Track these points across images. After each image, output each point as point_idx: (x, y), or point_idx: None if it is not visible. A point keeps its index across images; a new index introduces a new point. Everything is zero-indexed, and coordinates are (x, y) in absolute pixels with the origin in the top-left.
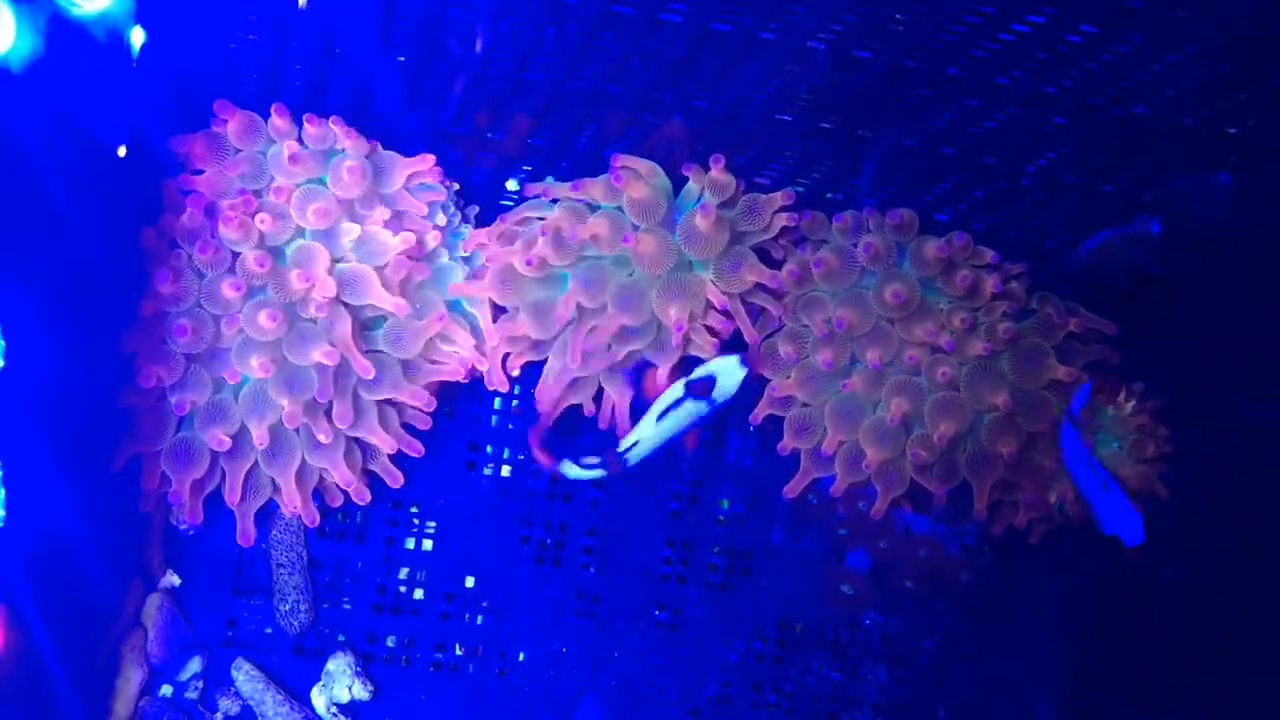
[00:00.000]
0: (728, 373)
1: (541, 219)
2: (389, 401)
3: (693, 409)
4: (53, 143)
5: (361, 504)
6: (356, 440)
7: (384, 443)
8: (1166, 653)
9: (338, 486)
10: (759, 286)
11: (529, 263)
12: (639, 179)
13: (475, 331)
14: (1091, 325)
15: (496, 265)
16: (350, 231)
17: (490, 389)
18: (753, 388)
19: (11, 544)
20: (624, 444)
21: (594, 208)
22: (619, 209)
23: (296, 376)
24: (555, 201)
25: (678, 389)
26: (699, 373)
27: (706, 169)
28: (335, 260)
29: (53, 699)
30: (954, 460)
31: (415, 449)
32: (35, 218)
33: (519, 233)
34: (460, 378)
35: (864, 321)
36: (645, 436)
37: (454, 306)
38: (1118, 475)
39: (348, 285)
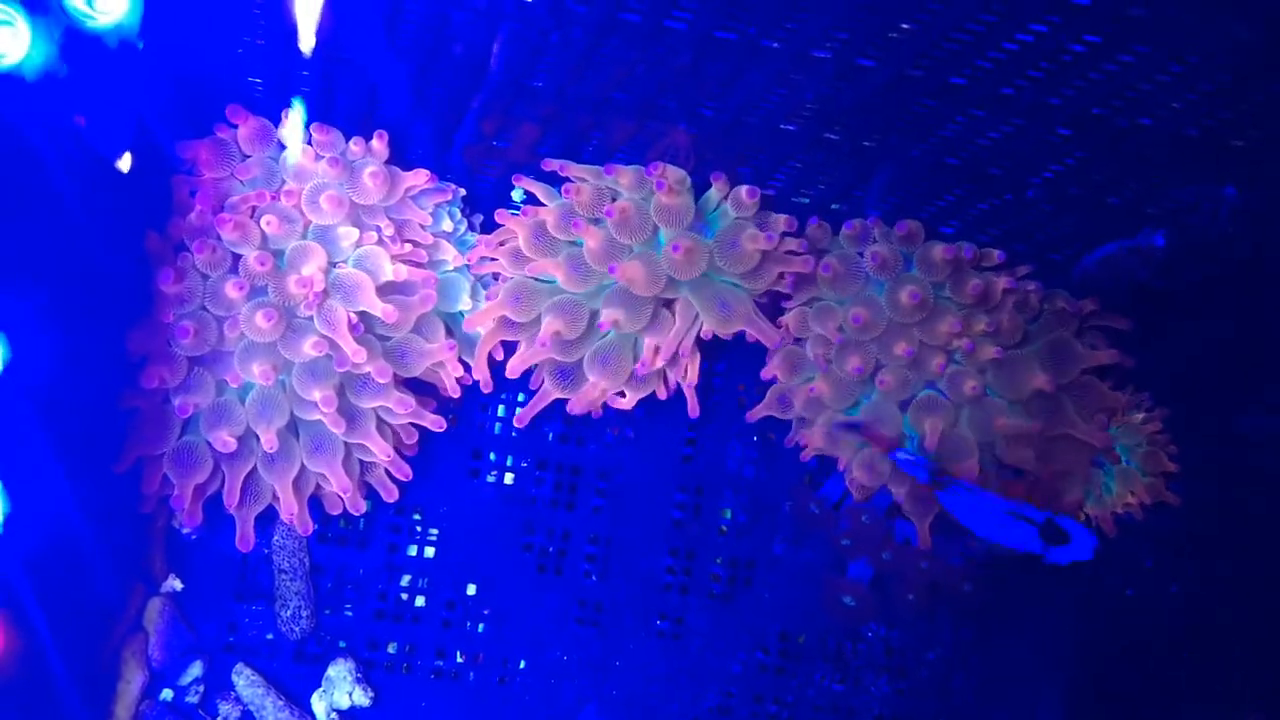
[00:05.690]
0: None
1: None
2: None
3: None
4: (64, 148)
5: (357, 514)
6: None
7: (382, 450)
8: (1170, 666)
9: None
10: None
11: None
12: (675, 186)
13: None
14: (1103, 322)
15: (508, 281)
16: (349, 235)
17: (487, 392)
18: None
19: (14, 545)
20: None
21: (613, 198)
22: (643, 200)
23: (317, 366)
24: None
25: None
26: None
27: (726, 180)
28: (333, 264)
29: (54, 700)
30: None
31: (404, 472)
32: (44, 220)
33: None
34: (456, 394)
35: (878, 320)
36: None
37: (454, 321)
38: (1125, 489)
39: (342, 289)
